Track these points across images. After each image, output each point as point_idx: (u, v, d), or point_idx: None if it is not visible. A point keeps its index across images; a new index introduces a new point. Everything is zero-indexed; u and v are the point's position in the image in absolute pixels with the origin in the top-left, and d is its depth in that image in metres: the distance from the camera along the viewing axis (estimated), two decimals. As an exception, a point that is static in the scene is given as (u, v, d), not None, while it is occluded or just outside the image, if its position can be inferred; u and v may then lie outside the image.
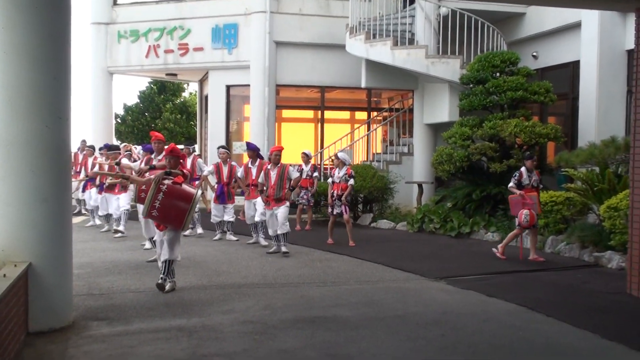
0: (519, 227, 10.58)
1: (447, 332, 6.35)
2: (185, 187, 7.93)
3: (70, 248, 6.62)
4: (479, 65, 14.31)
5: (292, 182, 11.08)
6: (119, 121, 33.21)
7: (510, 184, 10.73)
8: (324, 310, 7.19)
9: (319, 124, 19.30)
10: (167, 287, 7.95)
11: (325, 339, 6.11)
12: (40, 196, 6.14)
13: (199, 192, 7.98)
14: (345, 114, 21.44)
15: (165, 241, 7.98)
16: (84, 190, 14.84)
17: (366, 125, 19.11)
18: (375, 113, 19.77)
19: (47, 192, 6.19)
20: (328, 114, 19.41)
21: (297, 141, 18.88)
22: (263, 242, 11.90)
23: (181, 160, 8.09)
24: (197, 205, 8.37)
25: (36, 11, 6.10)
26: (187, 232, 12.47)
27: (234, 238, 12.53)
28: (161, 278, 7.95)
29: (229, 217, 12.62)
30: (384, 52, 15.74)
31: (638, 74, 7.93)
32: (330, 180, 12.28)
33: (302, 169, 13.87)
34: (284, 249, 10.78)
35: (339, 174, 12.05)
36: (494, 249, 10.99)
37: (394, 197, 15.76)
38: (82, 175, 14.93)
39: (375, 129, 19.31)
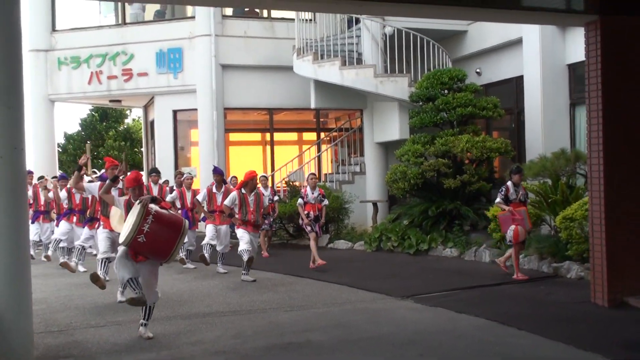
0: (511, 243, 10.35)
1: (424, 352, 6.30)
2: (172, 213, 7.23)
3: (29, 285, 6.29)
4: (428, 83, 14.48)
5: (264, 208, 11.07)
6: (60, 150, 32.26)
7: (497, 200, 10.50)
8: (296, 336, 7.04)
9: (268, 147, 19.17)
10: (149, 333, 7.05)
11: (303, 366, 5.97)
12: (-4, 231, 5.83)
13: (186, 221, 7.14)
14: (294, 136, 21.38)
15: (145, 279, 6.94)
16: (33, 222, 13.93)
17: (316, 145, 19.08)
18: (324, 133, 19.77)
19: (3, 226, 5.89)
20: (277, 136, 19.31)
21: (246, 164, 18.63)
22: (221, 270, 11.54)
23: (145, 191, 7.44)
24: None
25: (-16, 36, 5.84)
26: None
27: (222, 270, 11.62)
28: (143, 324, 7.05)
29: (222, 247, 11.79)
30: (332, 73, 15.78)
31: (590, 86, 8.13)
32: (301, 200, 11.93)
33: (262, 193, 13.36)
34: (248, 277, 10.65)
35: (312, 194, 11.87)
36: (514, 277, 10.21)
37: (349, 216, 15.73)
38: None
39: (327, 150, 19.30)
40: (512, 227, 10.12)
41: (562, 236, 10.45)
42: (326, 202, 12.13)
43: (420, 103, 14.73)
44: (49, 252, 13.21)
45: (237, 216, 10.51)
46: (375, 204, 16.16)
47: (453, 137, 13.76)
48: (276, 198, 13.87)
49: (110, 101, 21.29)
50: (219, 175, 11.96)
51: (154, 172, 12.93)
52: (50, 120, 19.55)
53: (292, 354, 6.36)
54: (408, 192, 14.37)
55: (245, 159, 19.81)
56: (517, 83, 15.63)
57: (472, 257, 12.41)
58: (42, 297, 9.53)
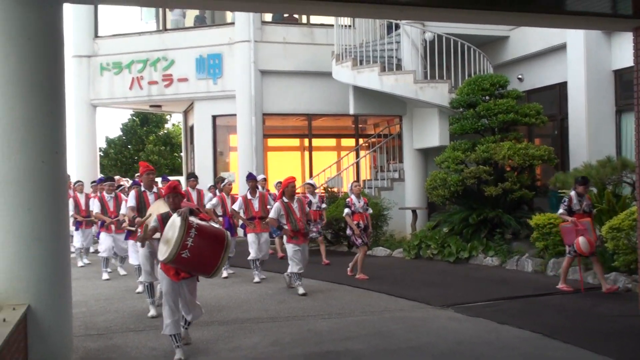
0: (570, 255, 9.85)
1: (466, 363, 6.14)
2: (213, 224, 6.87)
3: (69, 288, 6.35)
4: (469, 89, 14.28)
5: (307, 214, 10.53)
6: (102, 154, 32.79)
7: (560, 211, 9.98)
8: (335, 344, 6.94)
9: (306, 152, 19.13)
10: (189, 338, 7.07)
11: (342, 376, 5.87)
12: (37, 235, 5.86)
13: (228, 233, 6.67)
14: (333, 142, 21.30)
15: (187, 297, 6.65)
16: (77, 229, 13.74)
17: (354, 152, 18.98)
18: (363, 140, 19.65)
19: (45, 230, 5.92)
20: (316, 142, 19.25)
21: (284, 170, 18.63)
22: (257, 278, 11.27)
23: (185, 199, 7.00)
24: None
25: (29, 43, 5.89)
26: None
27: (258, 279, 11.25)
28: (184, 327, 6.88)
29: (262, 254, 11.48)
30: (371, 79, 15.67)
31: (638, 92, 7.87)
32: (348, 210, 11.33)
33: (310, 200, 12.81)
34: (302, 290, 9.97)
35: (359, 203, 11.41)
36: (558, 287, 9.96)
37: (388, 223, 15.57)
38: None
39: (365, 156, 19.18)
40: (582, 238, 9.53)
41: (608, 246, 10.14)
42: (370, 210, 11.79)
43: (461, 109, 14.52)
44: (119, 268, 12.62)
45: (287, 227, 9.93)
46: (414, 211, 15.99)
47: (494, 144, 13.52)
48: (324, 205, 13.33)
49: (151, 106, 21.53)
50: (253, 181, 11.65)
51: (192, 177, 12.90)
52: (92, 125, 19.84)
53: (330, 363, 6.27)
54: (448, 199, 14.17)
55: (284, 165, 19.81)
56: (560, 89, 15.34)
57: (514, 266, 12.15)
58: (82, 300, 9.62)
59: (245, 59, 17.70)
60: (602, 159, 11.58)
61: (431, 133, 16.06)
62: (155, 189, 8.85)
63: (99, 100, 19.65)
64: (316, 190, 13.52)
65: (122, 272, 12.42)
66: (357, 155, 18.92)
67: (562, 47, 14.81)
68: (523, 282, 10.69)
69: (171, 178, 10.85)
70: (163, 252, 6.26)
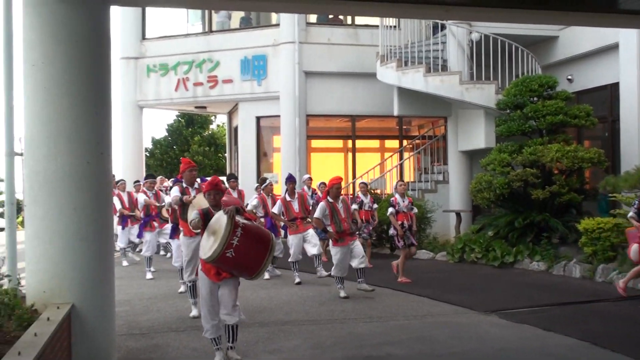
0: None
1: (511, 372, 5.98)
2: (259, 225, 6.79)
3: (113, 288, 6.40)
4: (516, 90, 14.00)
5: (353, 214, 10.43)
6: (148, 155, 33.30)
7: (630, 214, 9.49)
8: (376, 349, 6.85)
9: (350, 154, 19.05)
10: (237, 357, 6.47)
11: (382, 381, 5.78)
12: (82, 234, 5.93)
13: (272, 234, 6.51)
14: (376, 143, 21.19)
15: (226, 298, 6.35)
16: (123, 227, 13.90)
17: (398, 153, 18.82)
18: (407, 141, 19.48)
19: (89, 230, 5.98)
20: (359, 143, 19.17)
21: (327, 171, 18.61)
22: (297, 279, 11.22)
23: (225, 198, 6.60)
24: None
25: (76, 45, 5.96)
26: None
27: (325, 273, 11.04)
28: (230, 347, 6.43)
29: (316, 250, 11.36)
30: (416, 80, 15.52)
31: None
32: (392, 210, 11.17)
33: (362, 200, 12.74)
34: (364, 285, 9.82)
35: (404, 202, 11.26)
36: (615, 283, 9.76)
37: (431, 226, 15.39)
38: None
39: (409, 157, 19.01)
40: (635, 246, 9.24)
41: (660, 253, 9.80)
42: (416, 210, 11.64)
43: (508, 111, 14.26)
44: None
45: (331, 230, 9.76)
46: (458, 214, 15.76)
47: (542, 147, 13.22)
48: (375, 205, 13.05)
49: (196, 107, 21.77)
50: (292, 183, 11.55)
51: (232, 177, 12.98)
52: (138, 126, 20.15)
53: (371, 367, 6.18)
54: (493, 202, 13.92)
55: (327, 166, 19.78)
56: (612, 90, 14.90)
57: (561, 271, 11.86)
58: (126, 299, 9.73)
59: (290, 60, 17.72)
60: (655, 162, 11.21)
61: (477, 135, 15.82)
62: (196, 185, 8.72)
63: (146, 102, 19.94)
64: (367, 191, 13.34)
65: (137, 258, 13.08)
66: (401, 157, 18.76)
67: (614, 47, 14.38)
68: (570, 288, 10.42)
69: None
70: (206, 250, 6.11)
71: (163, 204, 12.27)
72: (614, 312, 8.57)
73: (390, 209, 11.24)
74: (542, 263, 12.32)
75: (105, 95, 6.27)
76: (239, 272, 6.32)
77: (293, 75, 17.69)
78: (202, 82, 19.00)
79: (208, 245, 6.10)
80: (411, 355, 6.60)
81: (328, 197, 9.91)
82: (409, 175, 19.01)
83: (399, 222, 11.13)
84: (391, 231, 11.46)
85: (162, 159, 33.64)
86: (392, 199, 11.48)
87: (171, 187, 9.85)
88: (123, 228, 13.76)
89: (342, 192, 10.18)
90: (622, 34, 13.83)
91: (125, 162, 19.71)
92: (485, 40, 15.29)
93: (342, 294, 9.86)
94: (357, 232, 11.87)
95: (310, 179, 14.14)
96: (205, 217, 6.38)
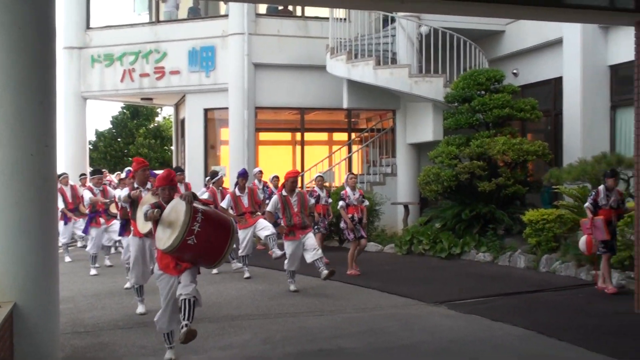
0: (601, 252, 9.36)
1: (461, 362, 6.04)
2: (218, 211, 6.50)
3: (57, 285, 6.21)
4: (464, 84, 14.17)
5: (310, 208, 10.30)
6: (91, 147, 32.54)
7: (587, 204, 9.57)
8: (327, 342, 6.83)
9: (299, 146, 18.98)
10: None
11: (334, 375, 5.76)
12: (24, 230, 5.72)
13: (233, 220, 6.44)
14: (325, 136, 21.17)
15: (184, 276, 5.97)
16: (66, 223, 13.33)
17: (347, 146, 18.85)
18: (355, 134, 19.51)
19: (33, 225, 5.78)
20: (308, 136, 19.11)
21: (276, 164, 18.53)
22: (247, 274, 11.12)
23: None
24: None
25: (20, 32, 5.74)
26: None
27: (279, 252, 10.39)
28: (185, 325, 5.90)
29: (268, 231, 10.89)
30: (366, 72, 15.54)
31: (639, 88, 7.78)
32: (342, 203, 11.17)
33: (319, 194, 12.46)
34: (324, 272, 9.37)
35: (354, 195, 11.26)
36: (600, 286, 9.42)
37: (380, 218, 15.47)
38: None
39: (358, 150, 19.06)
40: (583, 238, 9.37)
41: (602, 243, 10.07)
42: (367, 202, 11.61)
43: (456, 104, 14.42)
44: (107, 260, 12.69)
45: (282, 224, 9.77)
46: (406, 206, 15.88)
47: (489, 139, 13.42)
48: (330, 200, 12.90)
49: (142, 99, 21.31)
50: (245, 179, 11.38)
51: (179, 170, 12.63)
52: (82, 118, 19.60)
53: (323, 361, 6.16)
54: (441, 194, 14.07)
55: (276, 159, 19.70)
56: (555, 84, 15.23)
57: (507, 262, 12.09)
58: (69, 295, 9.46)
59: (239, 52, 17.50)
60: (597, 155, 11.49)
61: (425, 128, 15.94)
62: (149, 185, 8.27)
63: (90, 93, 19.42)
64: (310, 185, 13.30)
65: (108, 262, 12.65)
66: (350, 150, 18.79)
67: (558, 42, 14.69)
68: (516, 279, 10.63)
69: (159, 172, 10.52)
70: (164, 241, 5.77)
71: (109, 200, 11.92)
72: (559, 302, 8.77)
73: (341, 202, 11.24)
74: (488, 254, 12.54)
75: (49, 85, 6.07)
76: (201, 260, 6.02)
77: (242, 67, 17.47)
78: (149, 73, 18.60)
79: (166, 236, 5.78)
80: (363, 348, 6.60)
81: (283, 191, 9.87)
82: (357, 168, 19.06)
83: (349, 215, 11.13)
84: (341, 224, 11.47)
85: (106, 152, 32.94)
86: (342, 192, 11.47)
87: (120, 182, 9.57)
88: (65, 223, 13.26)
89: (298, 186, 10.13)
90: (566, 29, 14.12)
91: (68, 155, 19.15)
92: (434, 34, 15.39)
93: (292, 287, 9.84)
94: (314, 227, 11.84)
95: (261, 172, 14.04)
96: (158, 209, 6.07)
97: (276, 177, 14.41)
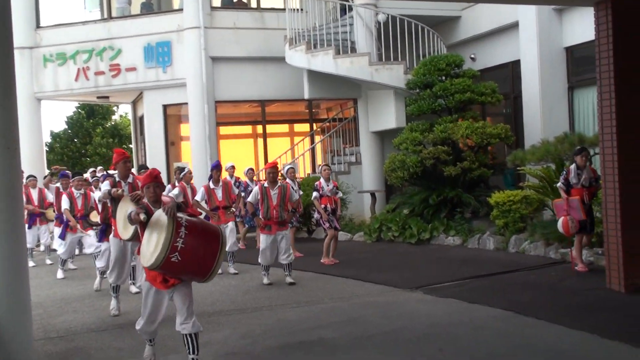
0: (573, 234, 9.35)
1: (443, 346, 6.06)
2: (204, 220, 5.92)
3: (28, 290, 6.00)
4: (425, 70, 14.23)
5: (293, 203, 10.09)
6: (47, 149, 31.80)
7: (558, 184, 9.51)
8: (307, 334, 6.78)
9: (260, 139, 18.85)
10: None
11: (319, 366, 5.71)
12: (-9, 235, 5.52)
13: (221, 227, 6.03)
14: (286, 127, 21.08)
15: (180, 305, 5.69)
16: (30, 227, 12.89)
17: (309, 137, 18.78)
18: (317, 124, 19.46)
19: (-1, 230, 5.58)
20: (270, 128, 18.98)
21: (238, 158, 18.38)
22: (232, 270, 10.89)
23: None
24: None
25: (-26, 32, 5.51)
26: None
27: (233, 271, 10.78)
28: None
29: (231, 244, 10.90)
30: (326, 62, 15.47)
31: (602, 67, 7.90)
32: (316, 194, 11.18)
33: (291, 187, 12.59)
34: (289, 279, 9.61)
35: (328, 186, 11.24)
36: (576, 268, 9.35)
37: (347, 207, 15.46)
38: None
39: (321, 141, 19.01)
40: (562, 218, 9.21)
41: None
42: (340, 194, 11.57)
43: (417, 90, 14.48)
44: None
45: (260, 215, 9.70)
46: (373, 194, 15.91)
47: (452, 124, 13.52)
48: (301, 192, 12.74)
49: (98, 97, 20.81)
50: (219, 170, 11.14)
51: (143, 168, 12.37)
52: (37, 119, 19.07)
53: (305, 353, 6.11)
54: (407, 180, 14.12)
55: (238, 153, 19.54)
56: (513, 68, 15.42)
57: (476, 244, 12.21)
58: (38, 301, 9.17)
59: (195, 46, 17.24)
60: (559, 135, 11.65)
61: (387, 115, 15.97)
62: (130, 179, 8.05)
63: (43, 93, 18.91)
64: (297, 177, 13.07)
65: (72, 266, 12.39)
66: (312, 141, 18.73)
67: (513, 26, 14.86)
68: (486, 261, 10.74)
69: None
70: (148, 257, 5.33)
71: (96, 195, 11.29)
72: (531, 281, 8.88)
73: (315, 193, 11.25)
74: (457, 237, 12.64)
75: (9, 86, 5.87)
76: (189, 277, 5.56)
77: (199, 61, 17.22)
78: (104, 71, 18.19)
79: (149, 251, 5.32)
80: (343, 337, 6.57)
81: (266, 182, 9.85)
82: (321, 158, 19.03)
83: (323, 206, 11.15)
84: (315, 215, 11.50)
85: (63, 153, 32.20)
86: (316, 183, 11.46)
87: (103, 181, 9.10)
88: (30, 227, 12.79)
89: (278, 178, 10.09)
90: (521, 12, 14.30)
91: (25, 158, 18.22)
92: (392, 21, 15.39)
93: (265, 280, 9.79)
94: (290, 223, 11.53)
95: (233, 167, 13.83)
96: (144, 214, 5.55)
97: (251, 170, 14.16)
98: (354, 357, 5.91)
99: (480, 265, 10.27)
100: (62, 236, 11.43)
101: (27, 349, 5.82)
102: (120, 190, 7.81)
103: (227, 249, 10.68)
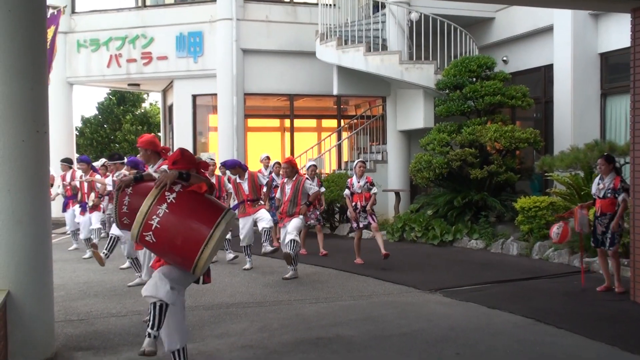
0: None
1: (461, 351, 6.00)
2: (209, 198, 4.80)
3: (51, 273, 6.07)
4: (455, 71, 14.11)
5: (309, 196, 9.89)
6: (77, 134, 32.15)
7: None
8: (325, 330, 6.77)
9: (288, 133, 18.89)
10: None
11: (335, 363, 5.70)
12: (17, 217, 5.58)
13: (232, 211, 4.86)
14: (314, 123, 21.08)
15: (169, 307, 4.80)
16: (64, 210, 13.09)
17: (336, 133, 18.76)
18: (344, 121, 19.42)
19: (25, 212, 5.64)
20: (297, 123, 19.01)
21: (264, 151, 18.43)
22: (248, 265, 10.73)
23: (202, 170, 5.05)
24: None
25: (10, 15, 5.57)
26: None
27: (270, 248, 10.25)
28: (148, 335, 4.80)
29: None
30: (356, 59, 15.42)
31: (636, 75, 7.75)
32: (347, 192, 11.01)
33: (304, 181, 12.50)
34: (286, 249, 9.42)
35: (359, 183, 10.95)
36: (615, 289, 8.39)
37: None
38: (59, 191, 13.25)
39: (348, 137, 18.98)
40: (559, 225, 8.65)
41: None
42: (375, 190, 11.07)
43: (447, 91, 14.36)
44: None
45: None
46: (397, 193, 15.85)
47: (480, 127, 13.40)
48: (322, 189, 12.57)
49: (129, 85, 21.09)
50: (233, 167, 10.94)
51: (118, 159, 11.83)
52: (68, 104, 19.40)
53: (321, 349, 6.09)
54: (433, 181, 14.03)
55: (264, 145, 19.56)
56: (545, 72, 15.23)
57: (499, 249, 12.10)
58: (60, 283, 9.30)
59: (227, 38, 17.35)
60: (589, 142, 11.47)
61: (416, 115, 15.88)
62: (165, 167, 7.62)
63: (76, 78, 19.20)
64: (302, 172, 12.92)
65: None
66: (339, 137, 18.71)
67: (548, 30, 14.67)
68: (509, 266, 10.63)
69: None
70: (133, 226, 4.68)
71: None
72: (554, 289, 8.76)
73: (346, 191, 11.13)
74: (480, 241, 12.54)
75: (41, 69, 5.91)
76: (173, 262, 4.80)
77: (230, 52, 17.32)
78: (136, 59, 18.40)
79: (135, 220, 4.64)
80: (360, 335, 6.55)
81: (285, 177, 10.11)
82: (347, 155, 19.00)
83: (353, 204, 10.96)
84: (348, 213, 11.29)
85: (93, 138, 32.52)
86: (348, 180, 11.28)
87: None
88: (64, 210, 12.97)
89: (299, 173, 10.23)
90: (557, 16, 14.10)
91: (55, 142, 18.72)
92: (425, 20, 15.30)
93: (248, 265, 10.53)
94: (317, 220, 12.24)
95: (268, 157, 13.75)
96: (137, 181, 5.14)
97: (277, 164, 13.42)
98: (371, 356, 5.89)
99: (502, 271, 10.17)
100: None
101: (48, 330, 5.90)
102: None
103: (264, 225, 10.45)
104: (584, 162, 11.11)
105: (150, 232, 4.47)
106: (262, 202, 11.00)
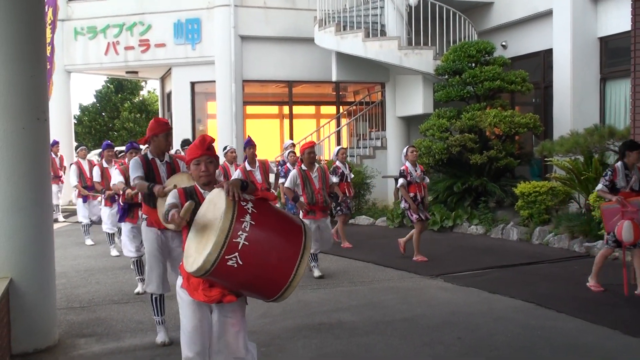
0: (610, 245, 7.55)
1: (462, 335, 6.03)
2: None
3: (53, 260, 6.09)
4: (455, 56, 14.06)
5: (332, 187, 9.12)
6: (75, 122, 32.10)
7: (599, 187, 7.54)
8: (327, 316, 6.79)
9: (287, 120, 18.85)
10: None
11: (337, 349, 5.73)
12: (19, 205, 5.58)
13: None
14: (313, 109, 21.03)
15: (231, 338, 4.09)
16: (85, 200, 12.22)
17: (335, 120, 18.73)
18: (343, 107, 19.38)
19: (26, 199, 5.64)
20: (296, 109, 18.97)
21: (263, 138, 18.41)
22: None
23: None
24: None
25: (8, 3, 5.54)
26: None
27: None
28: None
29: None
30: (355, 44, 15.36)
31: (636, 59, 7.74)
32: (403, 181, 9.65)
33: (342, 171, 11.54)
34: (318, 273, 8.79)
35: (416, 172, 9.75)
36: (587, 284, 7.81)
37: (371, 192, 15.42)
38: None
39: (348, 123, 18.95)
40: (628, 222, 7.12)
41: (595, 215, 10.13)
42: (427, 180, 10.11)
43: (446, 76, 14.32)
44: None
45: (302, 200, 8.58)
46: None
47: (480, 112, 13.37)
48: (352, 176, 11.96)
49: (127, 72, 21.00)
50: (253, 148, 9.67)
51: (187, 144, 11.41)
52: (66, 91, 19.34)
53: (324, 335, 6.11)
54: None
55: (263, 132, 19.51)
56: (544, 57, 15.17)
57: (499, 234, 12.11)
58: (62, 271, 9.31)
59: (225, 24, 17.27)
60: (589, 127, 11.46)
61: (415, 100, 15.85)
62: (167, 158, 5.99)
63: (73, 66, 19.13)
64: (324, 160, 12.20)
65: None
66: (338, 123, 18.68)
67: (547, 14, 14.59)
68: (509, 251, 10.65)
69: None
70: (193, 258, 3.60)
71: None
72: (554, 274, 8.79)
73: (401, 180, 9.72)
74: (480, 227, 12.55)
75: (40, 57, 5.90)
76: (252, 291, 3.80)
77: (228, 39, 17.25)
78: (134, 46, 18.32)
79: (195, 248, 3.65)
80: (362, 321, 6.57)
81: (302, 165, 8.85)
82: (346, 141, 18.98)
83: (411, 195, 9.71)
84: (402, 204, 10.04)
85: (91, 126, 32.51)
86: (402, 167, 9.85)
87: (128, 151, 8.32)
88: (84, 201, 12.19)
89: (316, 159, 9.05)
90: (556, 1, 14.03)
91: (53, 130, 18.74)
92: (423, 5, 15.22)
93: (316, 273, 8.81)
94: (337, 208, 11.15)
95: (294, 144, 13.23)
96: (188, 199, 3.96)
97: (292, 153, 12.41)
98: (372, 341, 5.91)
99: (502, 256, 10.20)
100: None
101: (50, 317, 5.91)
102: (166, 187, 5.49)
103: None
104: (584, 147, 11.11)
105: (236, 254, 3.42)
106: (273, 192, 10.31)
